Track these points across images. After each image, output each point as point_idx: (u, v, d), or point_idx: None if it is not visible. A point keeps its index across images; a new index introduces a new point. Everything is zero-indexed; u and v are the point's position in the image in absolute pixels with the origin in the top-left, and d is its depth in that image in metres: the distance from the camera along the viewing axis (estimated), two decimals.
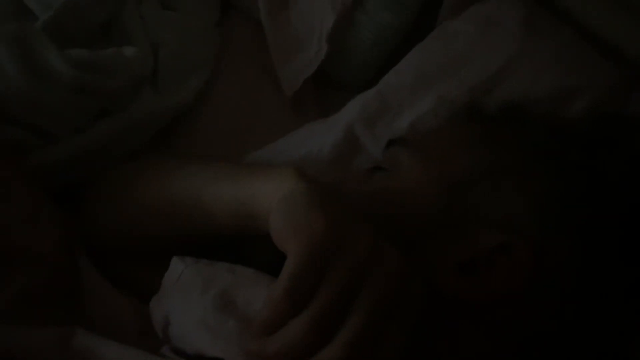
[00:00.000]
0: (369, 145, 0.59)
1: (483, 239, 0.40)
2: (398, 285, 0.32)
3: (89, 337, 0.42)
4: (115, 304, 0.49)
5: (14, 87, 0.55)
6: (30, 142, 0.55)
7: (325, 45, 0.68)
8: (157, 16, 0.69)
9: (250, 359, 0.34)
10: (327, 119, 0.64)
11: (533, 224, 0.42)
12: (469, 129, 0.48)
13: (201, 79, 0.69)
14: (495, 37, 0.62)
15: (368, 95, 0.63)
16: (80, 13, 0.64)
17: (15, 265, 0.46)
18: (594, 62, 0.61)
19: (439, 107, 0.58)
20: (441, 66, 0.61)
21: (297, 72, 0.69)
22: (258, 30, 0.73)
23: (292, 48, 0.70)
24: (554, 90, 0.58)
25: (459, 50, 0.62)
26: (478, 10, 0.64)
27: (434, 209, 0.42)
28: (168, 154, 0.63)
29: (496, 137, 0.47)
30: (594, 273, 0.42)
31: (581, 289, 0.42)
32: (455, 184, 0.43)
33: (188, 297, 0.41)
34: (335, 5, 0.68)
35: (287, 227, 0.34)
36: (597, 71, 0.60)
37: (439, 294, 0.39)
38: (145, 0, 0.70)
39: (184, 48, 0.68)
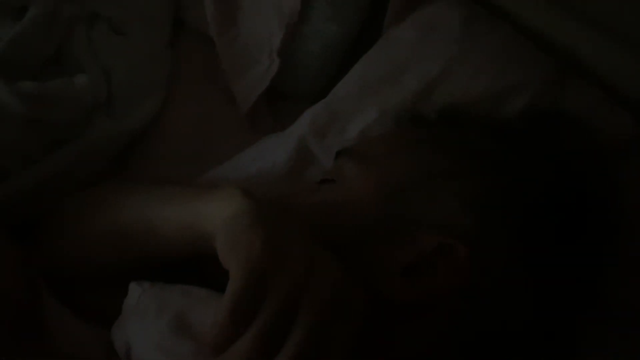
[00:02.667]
0: (320, 157, 0.60)
1: (424, 242, 0.42)
2: (336, 296, 0.34)
3: None
4: (79, 333, 0.49)
5: None
6: None
7: (277, 60, 0.69)
8: (107, 42, 0.69)
9: None
10: (281, 133, 0.65)
11: (471, 225, 0.43)
12: (409, 134, 0.50)
13: (156, 101, 0.70)
14: (434, 41, 0.63)
15: (318, 107, 0.64)
16: (29, 46, 0.64)
17: None
18: (531, 58, 0.63)
19: (384, 115, 0.59)
20: (385, 74, 0.63)
21: (250, 87, 0.70)
22: (211, 48, 0.74)
23: (244, 64, 0.71)
24: (493, 89, 0.59)
25: (401, 56, 0.63)
26: (419, 15, 0.66)
27: (377, 216, 0.44)
28: (121, 181, 0.63)
29: (436, 141, 0.48)
30: (533, 269, 0.44)
31: (524, 284, 0.43)
32: (396, 190, 0.45)
33: (145, 322, 0.42)
34: (282, 21, 0.69)
35: (229, 248, 0.35)
36: (534, 67, 0.62)
37: (383, 299, 0.40)
38: (95, 27, 0.70)
39: (136, 72, 0.69)
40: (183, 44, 0.76)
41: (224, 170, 0.62)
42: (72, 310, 0.50)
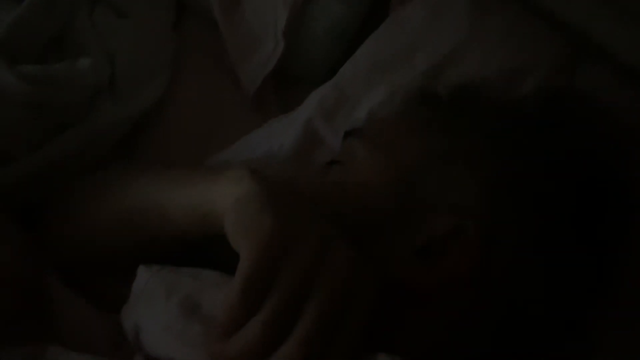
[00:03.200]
0: (328, 139, 0.60)
1: (435, 223, 0.41)
2: (349, 279, 0.33)
3: (61, 352, 0.43)
4: (86, 317, 0.49)
5: None
6: None
7: (282, 41, 0.68)
8: (110, 25, 0.68)
9: None
10: (288, 115, 0.64)
11: (484, 207, 0.42)
12: (421, 115, 0.49)
13: (160, 84, 0.69)
14: (444, 21, 0.62)
15: (325, 88, 0.63)
16: (32, 28, 0.63)
17: None
18: (543, 37, 0.62)
19: (393, 95, 0.58)
20: (393, 54, 0.62)
21: (256, 70, 0.69)
22: (215, 30, 0.73)
23: (249, 46, 0.70)
24: (505, 69, 0.58)
25: (410, 36, 0.62)
26: None
27: (389, 199, 0.43)
28: (128, 164, 0.63)
29: (447, 122, 0.47)
30: (547, 251, 0.43)
31: (535, 267, 0.43)
32: (407, 172, 0.44)
33: (154, 305, 0.42)
34: (287, 1, 0.68)
35: (239, 229, 0.35)
36: (546, 46, 0.61)
37: (395, 283, 0.39)
38: (97, 10, 0.69)
39: (140, 55, 0.68)
40: (187, 26, 0.75)
41: (230, 153, 0.61)
42: (80, 295, 0.50)
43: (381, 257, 0.40)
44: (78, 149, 0.60)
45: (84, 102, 0.62)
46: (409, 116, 0.50)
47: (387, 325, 0.39)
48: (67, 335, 0.48)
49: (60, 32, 0.66)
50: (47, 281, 0.50)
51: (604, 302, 0.48)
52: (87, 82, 0.62)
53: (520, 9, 0.64)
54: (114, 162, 0.63)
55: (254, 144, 0.62)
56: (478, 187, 0.43)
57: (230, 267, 0.39)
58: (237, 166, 0.40)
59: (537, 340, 0.45)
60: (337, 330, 0.32)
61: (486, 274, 0.42)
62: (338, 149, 0.52)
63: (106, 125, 0.62)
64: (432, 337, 0.42)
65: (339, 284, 0.32)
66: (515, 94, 0.55)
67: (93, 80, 0.62)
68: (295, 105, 0.65)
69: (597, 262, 0.46)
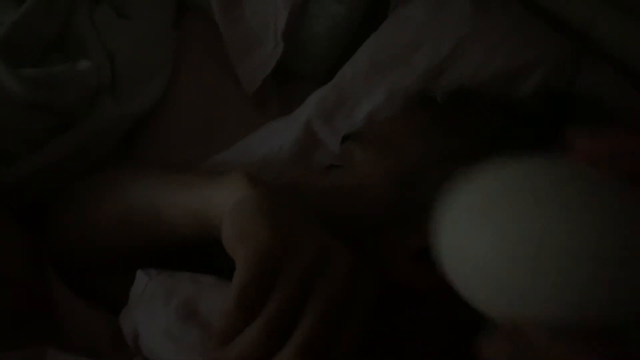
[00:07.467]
0: (327, 141, 0.59)
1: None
2: (347, 284, 0.33)
3: (61, 356, 0.43)
4: (87, 318, 0.49)
5: None
6: None
7: (281, 42, 0.68)
8: (110, 24, 0.68)
9: None
10: (288, 116, 0.64)
11: None
12: (420, 116, 0.49)
13: (160, 83, 0.69)
14: (445, 20, 0.61)
15: (325, 89, 0.63)
16: (32, 29, 0.63)
17: None
18: (544, 36, 0.61)
19: (393, 96, 0.58)
20: (393, 54, 0.61)
21: (255, 69, 0.69)
22: (215, 30, 0.73)
23: (249, 46, 0.70)
24: (507, 67, 0.58)
25: (409, 36, 0.62)
26: None
27: (387, 201, 0.43)
28: (128, 166, 0.63)
29: (447, 123, 0.47)
30: None
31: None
32: (406, 174, 0.44)
33: (153, 309, 0.42)
34: (287, 1, 0.67)
35: (235, 236, 0.35)
36: (548, 45, 0.60)
37: (395, 286, 0.39)
38: (98, 10, 0.69)
39: (141, 54, 0.68)
40: (188, 25, 0.74)
41: (230, 154, 0.61)
42: (81, 297, 0.50)
43: (380, 260, 0.40)
44: (79, 148, 0.60)
45: (84, 102, 0.62)
46: (408, 118, 0.49)
47: (385, 329, 0.39)
48: (69, 336, 0.48)
49: (61, 33, 0.66)
50: (49, 282, 0.50)
51: None
52: (87, 83, 0.62)
53: (521, 8, 0.63)
54: (115, 161, 0.63)
55: (253, 146, 0.61)
56: None
57: (230, 271, 0.40)
58: (234, 171, 0.40)
59: None
60: (336, 334, 0.32)
61: None
62: (337, 153, 0.52)
63: (107, 124, 0.62)
64: (429, 340, 0.42)
65: (337, 289, 0.32)
66: (517, 92, 0.55)
67: (94, 82, 0.62)
68: (298, 102, 0.65)
69: None
